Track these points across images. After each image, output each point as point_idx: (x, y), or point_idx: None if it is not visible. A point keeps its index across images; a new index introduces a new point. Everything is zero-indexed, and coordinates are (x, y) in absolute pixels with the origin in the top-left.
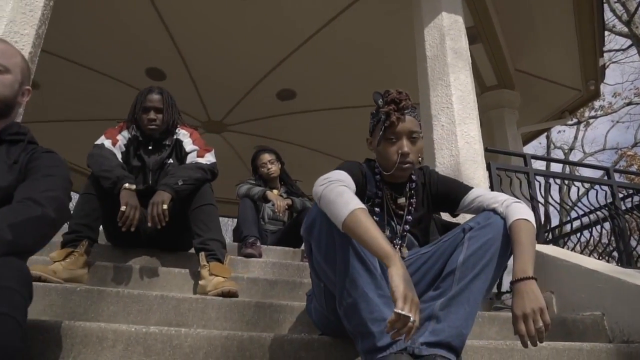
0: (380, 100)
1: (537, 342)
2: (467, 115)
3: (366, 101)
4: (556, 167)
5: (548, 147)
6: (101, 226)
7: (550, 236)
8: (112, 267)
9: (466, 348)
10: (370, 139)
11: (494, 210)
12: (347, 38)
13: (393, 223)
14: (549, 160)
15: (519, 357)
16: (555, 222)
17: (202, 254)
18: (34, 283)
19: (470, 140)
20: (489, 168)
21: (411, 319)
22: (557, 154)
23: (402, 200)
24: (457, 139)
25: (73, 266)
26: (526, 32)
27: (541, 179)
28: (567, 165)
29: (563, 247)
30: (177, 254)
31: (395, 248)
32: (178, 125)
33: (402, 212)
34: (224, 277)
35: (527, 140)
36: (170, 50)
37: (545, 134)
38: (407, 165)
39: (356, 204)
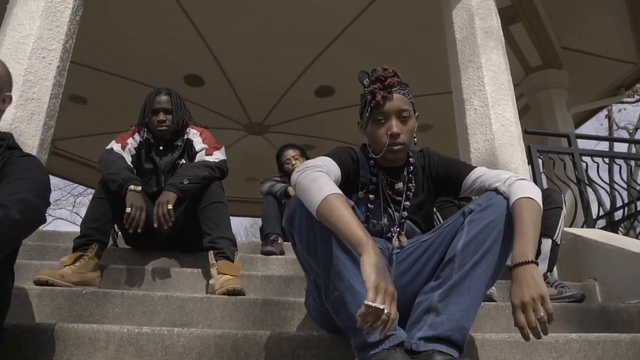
0: (367, 79)
1: (541, 334)
2: (502, 97)
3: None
4: (621, 147)
5: (610, 127)
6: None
7: (608, 220)
8: (125, 270)
9: (483, 342)
10: (361, 122)
11: (497, 190)
12: (380, 28)
13: (390, 210)
14: (596, 138)
15: (545, 351)
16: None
17: (211, 253)
18: (42, 287)
19: (506, 122)
20: (529, 151)
21: (385, 311)
22: (622, 134)
23: (399, 186)
24: (492, 122)
25: (83, 269)
26: (570, 6)
27: (588, 160)
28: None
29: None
30: (195, 254)
31: (393, 236)
32: (189, 125)
33: (400, 198)
34: (232, 275)
35: (580, 121)
36: (206, 57)
37: (606, 113)
38: (398, 147)
39: (330, 189)
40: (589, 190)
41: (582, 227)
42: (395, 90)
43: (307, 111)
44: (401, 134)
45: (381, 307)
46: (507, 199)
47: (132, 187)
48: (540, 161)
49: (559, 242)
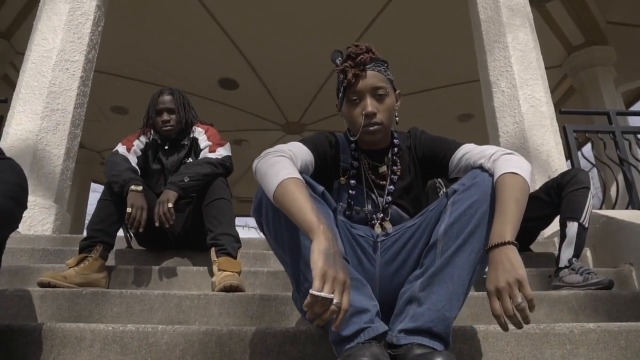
0: (339, 58)
1: (522, 324)
2: (530, 77)
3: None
4: None
5: None
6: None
7: None
8: (132, 270)
9: (487, 334)
10: (338, 103)
11: (481, 167)
12: (410, 15)
13: (373, 195)
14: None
15: (558, 343)
16: None
17: (212, 250)
18: (44, 289)
19: (536, 103)
20: (564, 132)
21: (334, 301)
22: None
23: (383, 169)
24: (520, 103)
25: (87, 271)
26: None
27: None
28: None
29: None
30: (207, 253)
31: (375, 222)
32: (195, 124)
33: (384, 183)
34: (231, 272)
35: (633, 99)
36: (238, 60)
37: None
38: (374, 127)
39: (287, 173)
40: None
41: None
42: (369, 68)
43: None
44: (377, 113)
45: (328, 297)
46: (492, 176)
47: (133, 187)
48: (577, 141)
49: (586, 226)
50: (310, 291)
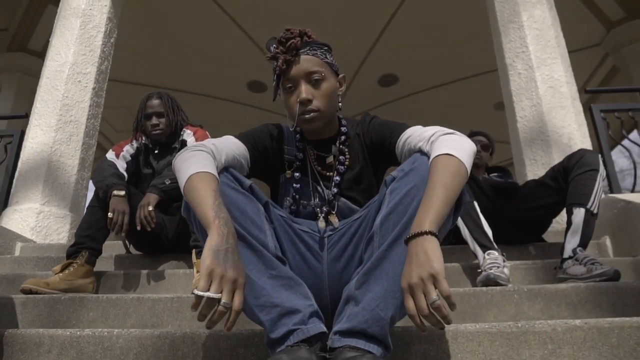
0: (274, 45)
1: (443, 324)
2: (548, 56)
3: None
4: None
5: None
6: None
7: None
8: (122, 275)
9: (457, 334)
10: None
11: (421, 151)
12: (435, 4)
13: (320, 188)
14: None
15: (538, 342)
16: None
17: (193, 252)
18: (25, 296)
19: (555, 83)
20: (590, 112)
21: (222, 301)
22: None
23: (330, 160)
24: (537, 85)
25: (72, 277)
26: None
27: None
28: None
29: None
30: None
31: (319, 217)
32: (184, 126)
33: (331, 174)
34: None
35: None
36: (264, 62)
37: None
38: (311, 115)
39: (197, 168)
40: None
41: None
42: (303, 52)
43: (374, 102)
44: (313, 99)
45: (214, 297)
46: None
47: (115, 192)
48: (605, 122)
49: (595, 212)
50: (194, 291)
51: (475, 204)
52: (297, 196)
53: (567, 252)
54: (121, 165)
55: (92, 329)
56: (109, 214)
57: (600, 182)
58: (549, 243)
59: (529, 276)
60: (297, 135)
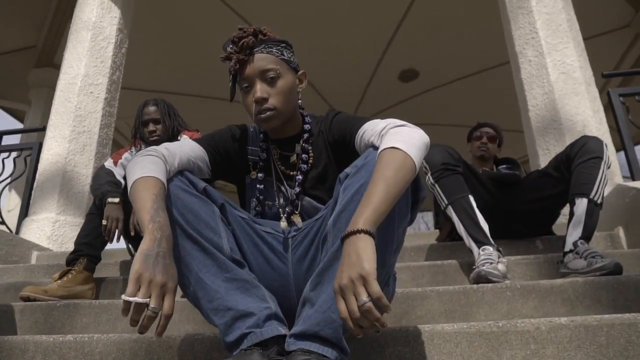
0: (230, 46)
1: (378, 327)
2: (559, 41)
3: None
4: None
5: None
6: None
7: None
8: (121, 280)
9: (433, 334)
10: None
11: (373, 145)
12: None
13: (283, 188)
14: None
15: (519, 342)
16: None
17: None
18: (24, 303)
19: (567, 69)
20: (609, 97)
21: (150, 305)
22: None
23: (294, 159)
24: (549, 71)
25: (70, 283)
26: None
27: None
28: None
29: None
30: None
31: (282, 217)
32: (181, 132)
33: (294, 173)
34: None
35: None
36: None
37: None
38: (267, 114)
39: (141, 173)
40: None
41: None
42: (257, 51)
43: (397, 99)
44: (269, 97)
45: (142, 302)
46: None
47: (109, 199)
48: (624, 107)
49: (599, 202)
50: (122, 296)
51: (471, 198)
52: (261, 197)
53: (568, 246)
54: (119, 173)
55: (75, 334)
56: (103, 221)
57: (605, 170)
58: (557, 236)
59: (531, 271)
60: (261, 135)
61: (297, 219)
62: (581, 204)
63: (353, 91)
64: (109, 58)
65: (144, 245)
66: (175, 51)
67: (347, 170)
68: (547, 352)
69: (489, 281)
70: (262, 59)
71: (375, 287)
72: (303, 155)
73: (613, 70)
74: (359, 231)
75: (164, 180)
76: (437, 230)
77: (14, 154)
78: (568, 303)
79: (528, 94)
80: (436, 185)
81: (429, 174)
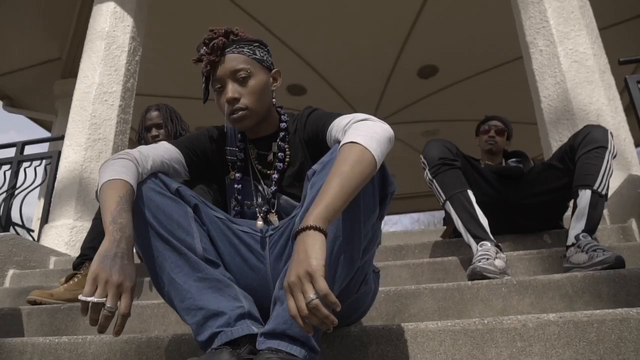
0: (204, 48)
1: (329, 325)
2: (571, 28)
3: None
4: None
5: None
6: None
7: None
8: None
9: (416, 332)
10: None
11: (339, 141)
12: None
13: (261, 187)
14: None
15: (505, 340)
16: None
17: None
18: (30, 307)
19: (580, 57)
20: (626, 84)
21: (107, 305)
22: None
23: (270, 158)
24: (560, 60)
25: (76, 287)
26: None
27: None
28: None
29: None
30: None
31: (258, 216)
32: (184, 136)
33: (271, 172)
34: None
35: None
36: (300, 66)
37: None
38: (239, 114)
39: (109, 176)
40: None
41: None
42: (229, 51)
43: (417, 95)
44: (241, 97)
45: (97, 301)
46: None
47: None
48: None
49: (603, 193)
50: (79, 296)
51: (470, 192)
52: (239, 197)
53: (571, 239)
54: None
55: (69, 336)
56: None
57: (610, 160)
58: (566, 229)
59: (534, 267)
60: (239, 136)
61: (273, 217)
62: (584, 196)
63: (372, 90)
64: (122, 66)
65: (102, 246)
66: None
67: (315, 167)
68: (534, 349)
69: (484, 277)
70: (233, 60)
71: (322, 284)
72: (279, 154)
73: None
74: (308, 227)
75: (133, 182)
76: (445, 227)
77: (36, 163)
78: (566, 299)
79: (540, 85)
80: (434, 181)
81: (426, 170)
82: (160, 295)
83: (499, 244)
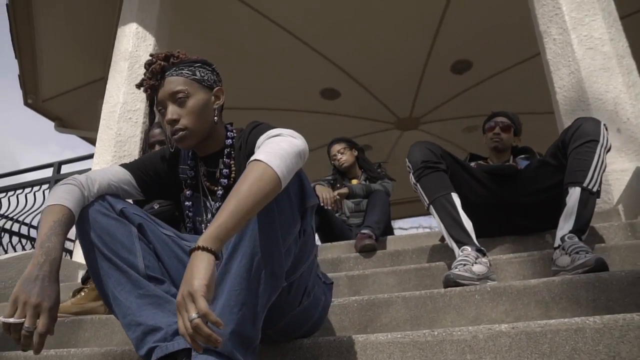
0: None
1: (216, 344)
2: (585, 14)
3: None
4: None
5: None
6: None
7: None
8: None
9: (366, 345)
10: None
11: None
12: None
13: (209, 203)
14: None
15: (455, 352)
16: None
17: None
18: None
19: (595, 44)
20: None
21: (25, 325)
22: None
23: (218, 174)
24: (574, 48)
25: (83, 300)
26: None
27: None
28: None
29: None
30: None
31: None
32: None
33: (218, 188)
34: None
35: None
36: (332, 69)
37: None
38: (180, 134)
39: (50, 202)
40: None
41: None
42: (168, 74)
43: (453, 92)
44: (180, 118)
45: (16, 322)
46: None
47: None
48: None
49: (594, 189)
50: (0, 318)
51: (454, 195)
52: (190, 214)
53: (557, 241)
54: None
55: (56, 349)
56: None
57: (603, 154)
58: None
59: (524, 270)
60: (190, 154)
61: None
62: (574, 194)
63: (407, 89)
64: None
65: (26, 270)
66: (225, 70)
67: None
68: None
69: (457, 284)
70: (172, 82)
71: (201, 304)
72: (224, 170)
73: None
74: (197, 248)
75: (73, 206)
76: None
77: None
78: (542, 305)
79: (554, 75)
80: (418, 185)
81: (411, 174)
82: (109, 308)
83: (482, 248)
